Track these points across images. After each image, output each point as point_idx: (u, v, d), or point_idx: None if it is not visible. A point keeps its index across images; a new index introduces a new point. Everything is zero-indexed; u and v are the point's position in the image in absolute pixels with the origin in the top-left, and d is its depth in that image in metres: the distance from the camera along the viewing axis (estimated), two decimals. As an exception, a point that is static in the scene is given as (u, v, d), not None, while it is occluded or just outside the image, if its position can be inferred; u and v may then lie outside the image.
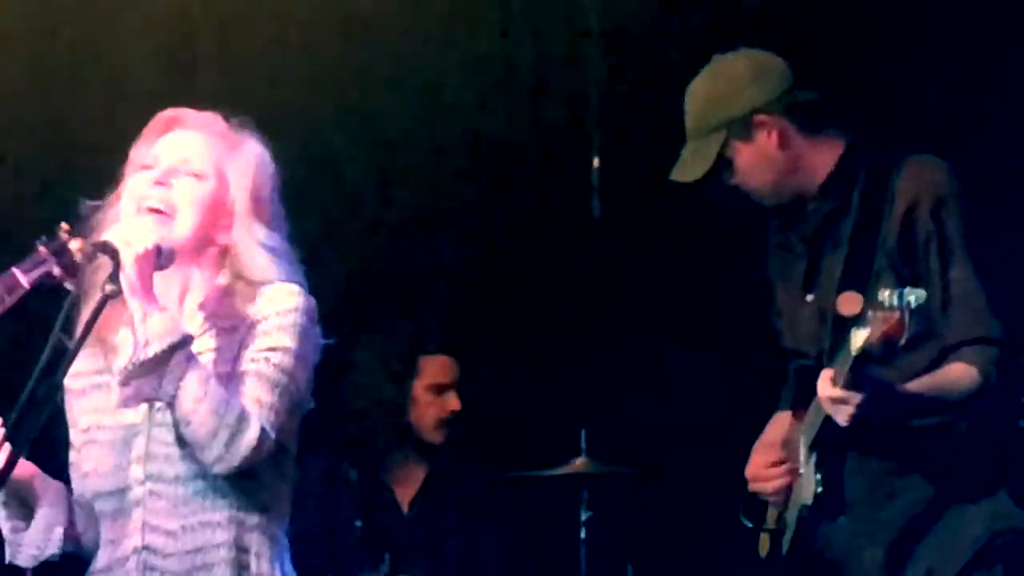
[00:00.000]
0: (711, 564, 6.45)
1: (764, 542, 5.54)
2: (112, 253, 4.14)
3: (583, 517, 6.65)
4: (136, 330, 4.16)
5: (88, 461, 4.28)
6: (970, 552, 5.27)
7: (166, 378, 4.12)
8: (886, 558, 5.36)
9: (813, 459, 5.30)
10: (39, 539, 4.35)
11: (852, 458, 5.35)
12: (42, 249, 4.27)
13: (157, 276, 4.22)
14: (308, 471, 6.60)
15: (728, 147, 5.51)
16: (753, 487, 5.55)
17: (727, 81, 5.60)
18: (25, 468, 4.22)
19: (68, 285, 4.24)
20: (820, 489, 5.30)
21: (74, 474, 4.32)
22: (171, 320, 4.16)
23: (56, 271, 4.25)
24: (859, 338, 4.88)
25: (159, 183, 4.24)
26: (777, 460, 5.51)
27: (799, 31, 6.54)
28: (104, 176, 4.40)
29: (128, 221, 4.24)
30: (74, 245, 4.28)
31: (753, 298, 5.73)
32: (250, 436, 4.14)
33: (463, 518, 6.97)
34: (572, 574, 6.70)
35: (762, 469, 5.54)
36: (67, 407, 4.32)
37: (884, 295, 4.84)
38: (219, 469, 4.17)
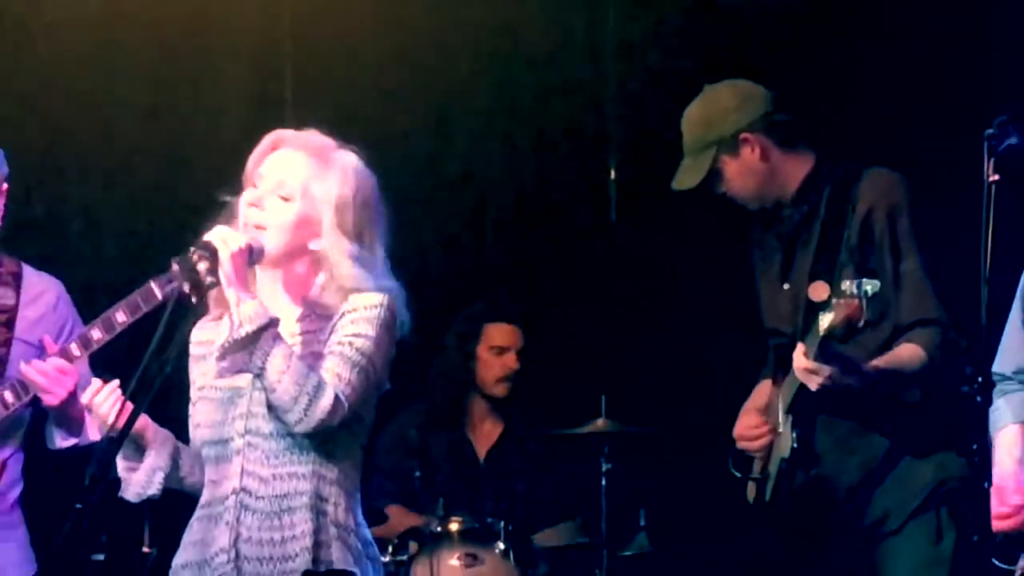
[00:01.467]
0: (709, 507, 6.35)
1: (751, 490, 5.63)
2: (212, 251, 4.19)
3: (604, 468, 6.71)
4: (232, 314, 4.19)
5: (200, 414, 4.37)
6: (920, 497, 5.42)
7: (255, 353, 4.18)
8: (850, 500, 5.49)
9: (790, 420, 5.44)
10: (144, 480, 4.40)
11: (822, 420, 5.46)
12: (176, 267, 4.27)
13: (260, 271, 4.34)
14: (383, 435, 6.98)
15: (718, 161, 5.59)
16: (740, 445, 5.66)
17: (717, 106, 5.66)
18: (141, 420, 4.26)
19: (194, 299, 4.24)
20: (796, 445, 5.41)
21: (190, 424, 4.40)
22: (260, 306, 4.20)
23: (186, 288, 4.23)
24: (826, 320, 5.05)
25: (253, 205, 4.30)
26: (760, 422, 5.61)
27: (779, 62, 6.61)
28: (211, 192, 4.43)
29: (228, 232, 4.25)
30: (201, 267, 4.24)
31: (743, 287, 5.82)
32: (325, 403, 4.19)
33: (525, 469, 7.17)
34: (596, 515, 6.70)
35: (747, 430, 5.64)
36: (189, 370, 4.42)
37: (846, 285, 5.01)
38: (299, 429, 4.22)
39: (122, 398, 4.30)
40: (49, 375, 5.02)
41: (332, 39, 7.40)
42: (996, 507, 4.31)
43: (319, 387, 4.21)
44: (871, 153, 5.73)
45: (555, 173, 7.63)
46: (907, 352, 5.39)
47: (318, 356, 4.28)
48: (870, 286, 5.03)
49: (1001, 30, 6.37)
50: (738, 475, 5.66)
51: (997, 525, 4.32)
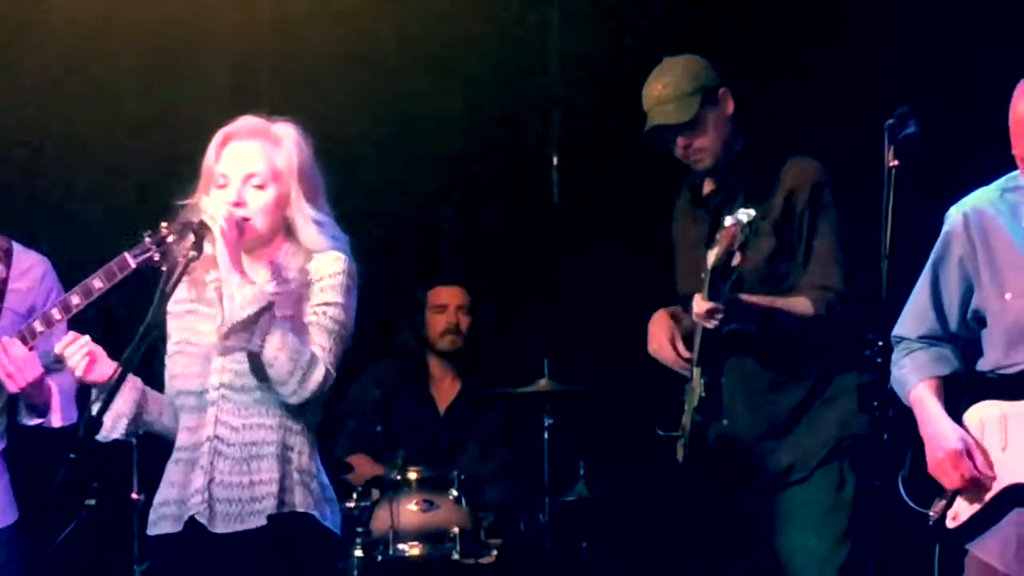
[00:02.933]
0: (640, 458, 6.25)
1: (679, 449, 5.60)
2: (202, 230, 4.24)
3: (546, 424, 6.74)
4: (233, 297, 4.23)
5: (178, 366, 4.39)
6: (825, 449, 5.47)
7: (255, 333, 4.22)
8: (759, 452, 5.57)
9: (699, 372, 5.44)
10: (109, 425, 4.37)
11: (735, 377, 5.51)
12: (148, 240, 4.54)
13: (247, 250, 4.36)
14: (351, 391, 7.02)
15: (704, 107, 5.58)
16: (658, 355, 5.64)
17: (696, 64, 5.69)
18: (110, 369, 4.31)
19: (163, 267, 4.39)
20: (704, 393, 5.41)
21: (166, 374, 4.43)
22: (260, 291, 4.24)
23: (156, 256, 4.49)
24: (712, 256, 5.12)
25: (237, 204, 4.31)
26: (671, 335, 5.60)
27: (708, 55, 6.21)
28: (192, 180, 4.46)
29: (217, 210, 4.28)
30: (170, 239, 4.44)
31: (668, 260, 5.83)
32: (317, 376, 4.26)
33: (479, 423, 7.15)
34: (539, 465, 6.73)
35: (662, 339, 5.62)
36: (168, 325, 4.40)
37: (726, 220, 5.08)
38: (294, 400, 4.27)
39: (91, 352, 4.38)
40: (14, 364, 5.00)
41: (305, 42, 7.37)
42: (933, 455, 4.36)
43: (312, 362, 4.26)
44: (795, 142, 5.78)
45: (504, 160, 7.58)
46: (795, 301, 5.44)
47: (287, 319, 4.30)
48: (744, 215, 5.08)
49: (902, 30, 6.42)
50: (663, 433, 5.65)
51: (943, 479, 4.35)
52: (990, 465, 4.35)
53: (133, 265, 4.64)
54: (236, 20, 7.38)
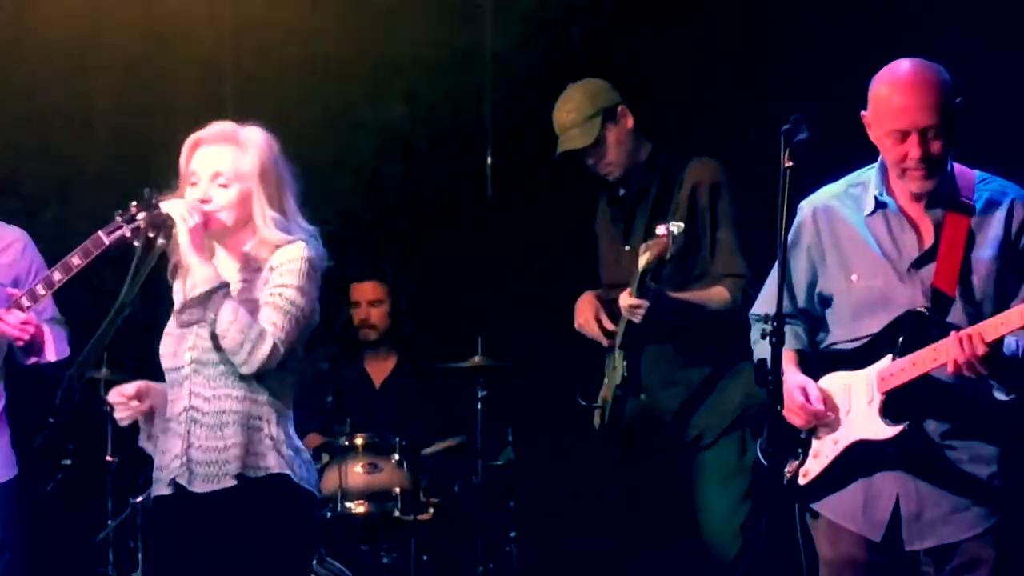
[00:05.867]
0: (563, 427, 6.24)
1: (597, 416, 5.65)
2: (170, 223, 4.25)
3: (479, 395, 6.70)
4: (189, 276, 4.28)
5: (163, 347, 4.42)
6: (729, 419, 5.53)
7: (208, 308, 4.25)
8: (672, 422, 5.58)
9: (622, 355, 5.51)
10: (149, 447, 4.46)
11: (651, 360, 5.55)
12: (119, 218, 4.48)
13: (210, 240, 4.37)
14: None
15: (604, 127, 5.61)
16: (584, 329, 5.65)
17: (596, 88, 5.72)
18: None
19: (135, 243, 4.34)
20: (626, 374, 5.49)
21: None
22: (213, 271, 4.27)
23: (127, 234, 4.43)
24: (643, 260, 5.23)
25: (203, 200, 4.33)
26: (596, 312, 5.63)
27: (621, 66, 6.49)
28: (166, 172, 4.46)
29: (186, 204, 4.30)
30: (140, 216, 4.38)
31: (590, 250, 5.86)
32: (265, 349, 4.24)
33: (415, 395, 7.05)
34: (472, 433, 6.71)
35: (588, 315, 5.64)
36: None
37: (658, 229, 5.19)
38: (245, 370, 4.27)
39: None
40: (17, 327, 5.07)
41: (264, 50, 7.31)
42: (786, 400, 4.27)
43: (260, 335, 4.25)
44: (696, 144, 5.78)
45: (442, 159, 7.54)
46: (714, 292, 5.50)
47: (254, 301, 4.31)
48: (675, 228, 5.19)
49: (797, 43, 6.39)
50: (583, 403, 5.67)
51: (793, 419, 4.30)
52: (834, 408, 4.30)
53: (107, 242, 4.60)
54: (203, 33, 7.36)
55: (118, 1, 7.10)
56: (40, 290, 4.97)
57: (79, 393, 4.12)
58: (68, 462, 6.58)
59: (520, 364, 6.76)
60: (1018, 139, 5.80)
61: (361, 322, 7.16)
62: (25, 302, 5.03)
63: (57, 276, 4.88)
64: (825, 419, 4.31)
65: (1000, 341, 4.06)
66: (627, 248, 5.58)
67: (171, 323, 4.44)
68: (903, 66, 4.24)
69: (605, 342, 5.62)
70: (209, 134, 4.40)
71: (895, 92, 4.20)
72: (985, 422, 4.24)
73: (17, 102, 7.03)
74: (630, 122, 5.66)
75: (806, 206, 4.44)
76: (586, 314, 5.68)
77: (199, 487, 4.29)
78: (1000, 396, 4.19)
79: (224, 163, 4.35)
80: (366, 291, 7.17)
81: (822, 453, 4.32)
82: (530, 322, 6.84)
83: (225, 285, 4.27)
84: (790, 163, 4.06)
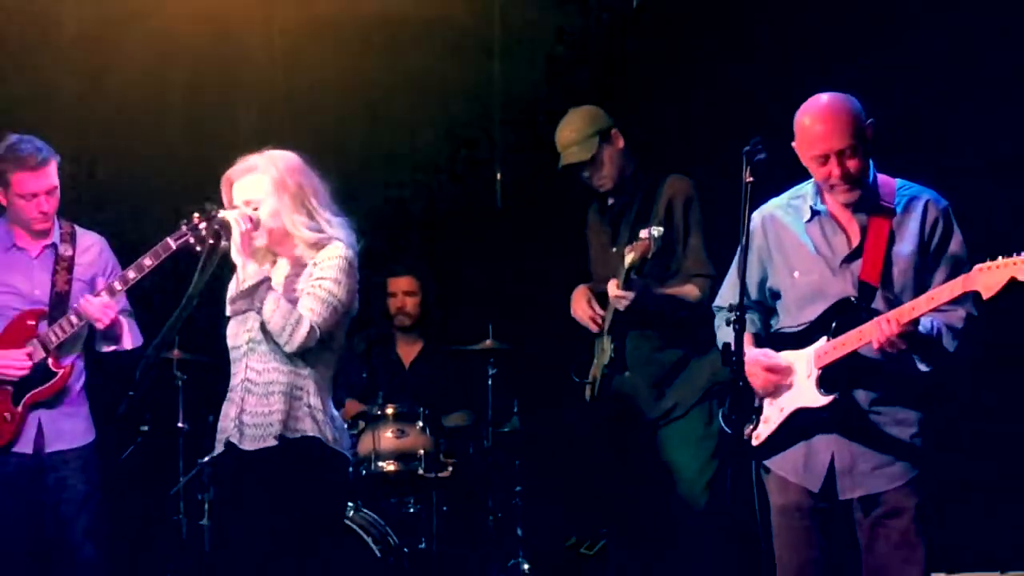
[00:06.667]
0: (560, 400, 6.15)
1: (588, 391, 5.64)
2: (225, 225, 4.37)
3: (490, 373, 6.70)
4: (239, 272, 4.36)
5: (228, 329, 4.53)
6: (699, 394, 5.57)
7: (255, 298, 4.33)
8: (651, 396, 5.61)
9: (609, 338, 5.53)
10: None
11: (634, 341, 5.55)
12: (184, 227, 4.60)
13: (268, 247, 4.45)
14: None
15: (600, 146, 5.60)
16: (578, 317, 5.64)
17: (593, 112, 5.70)
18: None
19: (198, 249, 4.46)
20: (613, 355, 5.50)
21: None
22: (259, 268, 4.36)
23: (191, 240, 4.54)
24: (628, 257, 5.27)
25: (244, 218, 4.38)
26: (588, 301, 5.59)
27: (613, 93, 6.50)
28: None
29: (238, 213, 4.37)
30: (201, 225, 4.49)
31: (582, 252, 5.86)
32: (303, 331, 4.30)
33: (437, 373, 7.03)
34: (484, 404, 6.70)
35: (583, 306, 5.62)
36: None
37: (642, 233, 5.24)
38: (288, 349, 4.33)
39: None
40: (99, 309, 5.11)
41: (312, 84, 7.25)
42: (748, 370, 4.32)
43: (299, 320, 4.32)
44: (670, 162, 5.80)
45: (458, 173, 7.53)
46: (687, 288, 5.52)
47: (299, 294, 4.38)
48: (656, 232, 5.22)
49: (762, 75, 6.32)
50: (577, 380, 5.69)
51: (754, 382, 4.35)
52: (781, 379, 4.36)
53: (174, 247, 4.74)
54: (256, 63, 7.30)
55: (192, 35, 6.98)
56: (117, 286, 5.06)
57: (155, 370, 4.29)
58: (146, 428, 6.56)
59: (524, 347, 6.75)
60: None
61: (397, 311, 7.10)
62: (105, 295, 5.09)
63: (131, 274, 4.97)
64: (782, 379, 4.32)
65: (916, 322, 4.11)
66: (614, 250, 5.60)
67: (230, 310, 4.50)
68: (820, 99, 4.27)
69: (595, 328, 5.62)
70: (235, 170, 4.46)
71: (814, 122, 4.23)
72: (907, 391, 4.28)
73: (102, 135, 6.95)
74: (620, 142, 5.66)
75: (756, 216, 4.46)
76: (580, 303, 5.67)
77: (247, 445, 4.36)
78: (922, 367, 4.22)
79: (249, 191, 4.41)
80: (402, 284, 7.11)
81: (771, 419, 4.38)
82: (532, 311, 6.87)
83: (267, 279, 4.32)
84: (751, 179, 4.10)
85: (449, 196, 7.53)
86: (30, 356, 5.20)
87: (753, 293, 4.53)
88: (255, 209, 4.40)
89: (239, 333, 4.47)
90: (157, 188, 6.85)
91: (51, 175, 5.25)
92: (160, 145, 7.07)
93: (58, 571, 5.27)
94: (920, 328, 4.16)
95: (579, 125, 5.68)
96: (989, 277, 3.94)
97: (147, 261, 4.89)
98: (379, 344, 7.20)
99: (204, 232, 4.46)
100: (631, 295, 5.33)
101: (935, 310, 4.12)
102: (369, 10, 7.18)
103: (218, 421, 4.52)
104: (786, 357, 4.40)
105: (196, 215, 4.53)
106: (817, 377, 4.30)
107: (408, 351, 7.20)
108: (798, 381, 4.36)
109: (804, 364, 4.35)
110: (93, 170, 6.90)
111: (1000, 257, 3.96)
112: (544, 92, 7.12)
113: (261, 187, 4.42)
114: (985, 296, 3.98)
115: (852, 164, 4.25)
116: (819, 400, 4.29)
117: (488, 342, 6.71)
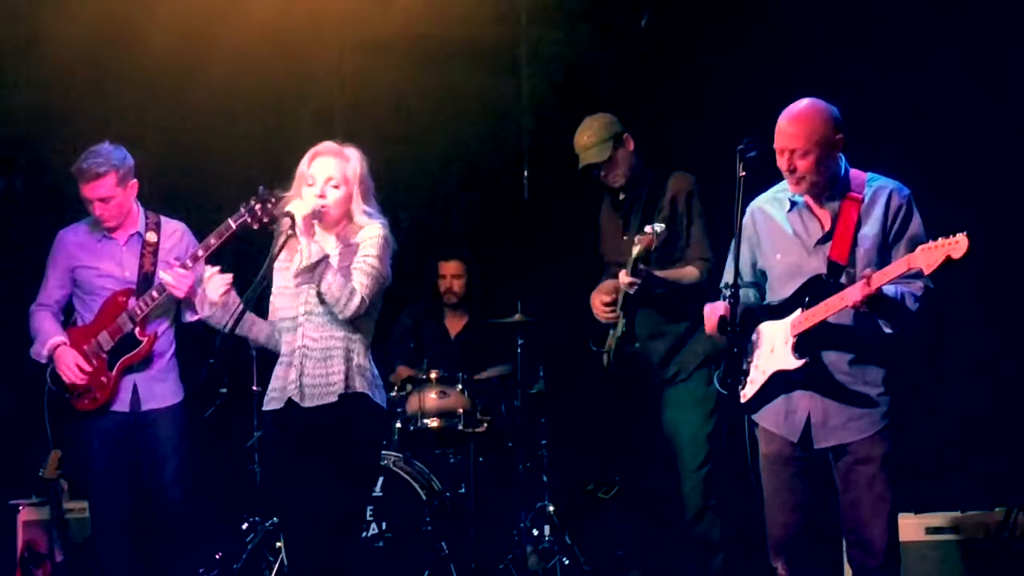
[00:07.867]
0: (581, 365, 5.95)
1: (604, 359, 5.65)
2: (292, 216, 4.32)
3: (519, 343, 6.56)
4: (302, 251, 4.31)
5: (279, 301, 4.47)
6: (701, 358, 5.58)
7: (316, 272, 4.31)
8: (658, 362, 5.63)
9: (621, 314, 5.55)
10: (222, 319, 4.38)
11: (644, 315, 5.56)
12: (243, 209, 4.56)
13: (319, 225, 4.43)
14: (395, 324, 7.03)
15: (615, 148, 5.60)
16: (597, 316, 5.61)
17: (607, 119, 5.68)
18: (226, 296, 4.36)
19: (255, 227, 4.44)
20: (624, 328, 5.53)
21: (271, 307, 4.48)
22: (319, 247, 4.33)
23: (250, 220, 4.50)
24: (635, 249, 5.29)
25: (320, 196, 4.39)
26: (608, 301, 5.57)
27: (623, 100, 6.35)
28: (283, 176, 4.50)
29: (304, 202, 4.36)
30: (257, 207, 4.45)
31: (597, 239, 5.87)
32: (356, 301, 4.31)
33: (478, 343, 7.05)
34: (514, 369, 6.61)
35: (600, 307, 5.60)
36: (272, 278, 4.46)
37: (646, 228, 5.26)
38: (342, 317, 4.32)
39: (228, 284, 4.35)
40: (176, 278, 5.03)
41: (368, 95, 7.23)
42: (708, 316, 4.40)
43: (352, 292, 4.33)
44: (674, 160, 5.76)
45: (491, 172, 7.51)
46: (687, 271, 5.53)
47: (346, 267, 4.37)
48: (659, 227, 5.24)
49: (752, 71, 6.29)
50: (594, 349, 5.70)
51: (708, 323, 4.40)
52: (765, 344, 4.36)
53: (234, 227, 4.71)
54: (320, 75, 7.35)
55: (264, 57, 6.99)
56: (190, 262, 5.03)
57: (233, 340, 4.30)
58: (224, 391, 6.56)
59: (549, 320, 6.66)
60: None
61: (447, 290, 7.10)
62: (180, 268, 5.06)
63: (200, 252, 4.98)
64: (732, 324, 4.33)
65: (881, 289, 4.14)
66: (624, 238, 5.61)
67: (279, 285, 4.45)
68: (798, 104, 4.30)
69: (605, 317, 5.58)
70: (324, 148, 4.45)
71: (782, 121, 4.28)
72: (873, 354, 4.30)
73: (185, 142, 6.95)
74: (631, 145, 5.66)
75: (748, 209, 4.49)
76: (595, 302, 5.62)
77: (308, 403, 4.34)
78: (887, 330, 4.23)
79: (335, 170, 4.39)
80: (451, 267, 7.12)
81: (755, 380, 4.40)
82: (556, 290, 6.84)
83: (327, 256, 4.32)
84: (743, 173, 4.13)
85: (485, 192, 7.53)
86: (82, 368, 5.25)
87: (748, 275, 4.54)
88: (334, 187, 4.37)
89: (294, 305, 4.43)
90: (228, 188, 6.67)
91: (103, 187, 5.27)
92: (233, 146, 7.07)
93: (153, 510, 5.34)
94: (885, 291, 4.18)
95: (595, 130, 5.66)
96: (929, 256, 3.98)
97: (213, 240, 4.90)
98: (428, 318, 7.19)
99: (260, 213, 4.46)
100: (638, 281, 5.35)
101: (899, 280, 4.15)
102: (419, 31, 7.19)
103: (272, 381, 4.48)
104: (767, 327, 4.42)
105: (253, 198, 4.51)
106: (793, 344, 4.32)
107: (455, 324, 7.21)
108: (777, 347, 4.37)
109: (782, 333, 4.37)
110: (176, 173, 6.90)
111: (940, 238, 3.99)
112: (563, 102, 7.09)
113: (345, 171, 4.41)
114: (926, 272, 4.02)
115: (802, 163, 4.27)
116: (794, 363, 4.32)
117: (518, 316, 6.68)
